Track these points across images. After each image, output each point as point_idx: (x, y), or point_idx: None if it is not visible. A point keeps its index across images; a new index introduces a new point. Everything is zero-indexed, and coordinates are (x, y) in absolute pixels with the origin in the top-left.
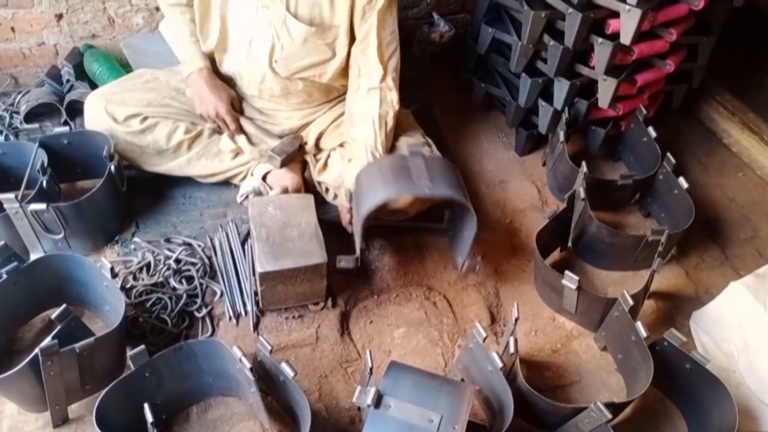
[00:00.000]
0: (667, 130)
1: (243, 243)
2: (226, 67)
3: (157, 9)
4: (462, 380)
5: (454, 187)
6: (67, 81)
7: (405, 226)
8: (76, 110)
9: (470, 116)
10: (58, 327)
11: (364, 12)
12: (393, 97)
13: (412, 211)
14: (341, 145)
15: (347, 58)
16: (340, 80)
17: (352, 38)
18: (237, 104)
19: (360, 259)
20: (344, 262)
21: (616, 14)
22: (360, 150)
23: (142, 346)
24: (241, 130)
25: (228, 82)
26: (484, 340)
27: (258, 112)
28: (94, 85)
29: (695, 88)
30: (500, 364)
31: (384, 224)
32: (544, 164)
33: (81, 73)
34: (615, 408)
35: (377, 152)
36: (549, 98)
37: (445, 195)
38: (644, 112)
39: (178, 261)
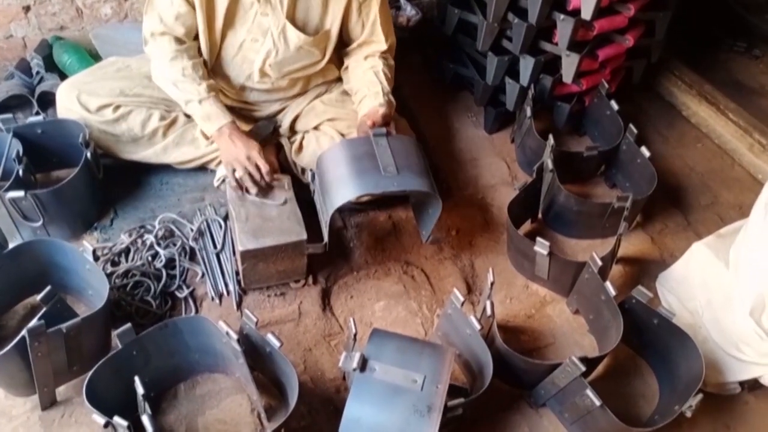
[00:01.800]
0: (628, 105)
1: (222, 225)
2: (215, 70)
3: None
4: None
5: (421, 173)
6: (37, 73)
7: (358, 208)
8: (47, 101)
9: (440, 97)
10: (44, 308)
11: (361, 10)
12: (390, 62)
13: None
14: (316, 128)
15: (333, 53)
16: (324, 72)
17: (339, 40)
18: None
19: (328, 244)
20: (312, 248)
21: None
22: (372, 89)
23: (129, 324)
24: (272, 174)
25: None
26: (462, 304)
27: (237, 101)
28: (64, 77)
29: (654, 64)
30: (478, 327)
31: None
32: (512, 141)
33: (51, 65)
34: (588, 363)
35: (388, 89)
36: (515, 76)
37: (413, 189)
38: (606, 86)
39: (158, 244)
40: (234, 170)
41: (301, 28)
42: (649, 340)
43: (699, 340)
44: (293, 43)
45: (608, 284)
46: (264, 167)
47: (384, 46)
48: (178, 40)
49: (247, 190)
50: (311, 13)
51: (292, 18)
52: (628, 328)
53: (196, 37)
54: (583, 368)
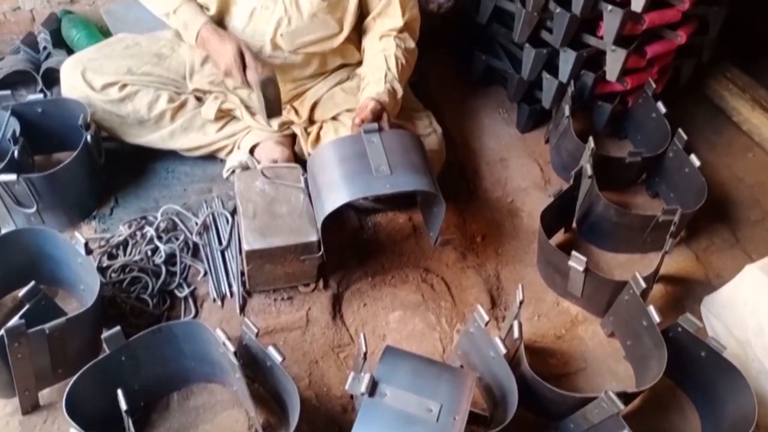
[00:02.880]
0: (673, 108)
1: (229, 220)
2: None
3: None
4: (461, 367)
5: (418, 170)
6: (44, 48)
7: (377, 207)
8: (53, 79)
9: (469, 91)
10: (27, 306)
11: None
12: (409, 43)
13: None
14: (335, 118)
15: (352, 30)
16: (342, 52)
17: (359, 12)
18: (250, 53)
19: (324, 255)
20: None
21: None
22: (375, 75)
23: (118, 328)
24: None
25: None
26: (486, 324)
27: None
28: (72, 53)
29: (703, 64)
30: (503, 350)
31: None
32: (546, 141)
33: (59, 41)
34: (626, 398)
35: (392, 75)
36: (553, 71)
37: (408, 189)
38: (653, 86)
39: (159, 237)
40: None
41: None
42: (694, 373)
43: (751, 374)
44: (306, 9)
45: (651, 309)
46: (250, 62)
47: (399, 22)
48: None
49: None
50: None
51: None
52: (671, 358)
53: None
54: (622, 407)
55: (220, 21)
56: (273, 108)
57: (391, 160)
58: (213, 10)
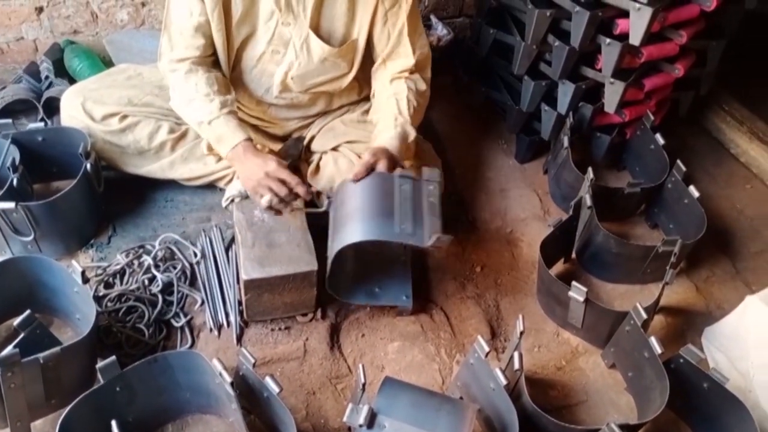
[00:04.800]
0: (672, 140)
1: (227, 249)
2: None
3: (143, 4)
4: (461, 398)
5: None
6: (46, 78)
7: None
8: (53, 108)
9: (469, 122)
10: (21, 335)
11: (387, 18)
12: (420, 85)
13: None
14: (334, 149)
15: (359, 69)
16: (348, 92)
17: (367, 51)
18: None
19: (328, 281)
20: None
21: (625, 14)
22: (385, 121)
23: (113, 357)
24: (308, 189)
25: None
26: (487, 354)
27: (255, 118)
28: (74, 83)
29: (702, 97)
30: (504, 382)
31: None
32: (545, 172)
33: (61, 70)
34: (628, 430)
35: (403, 119)
36: (552, 102)
37: (423, 245)
38: (651, 118)
39: (156, 266)
40: (262, 196)
41: (326, 39)
42: (696, 404)
43: (748, 406)
44: (317, 54)
45: (653, 340)
46: (291, 179)
47: (411, 61)
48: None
49: (280, 212)
50: (336, 23)
51: (316, 28)
52: (673, 390)
53: (214, 53)
54: None
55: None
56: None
57: (416, 214)
58: (222, 54)
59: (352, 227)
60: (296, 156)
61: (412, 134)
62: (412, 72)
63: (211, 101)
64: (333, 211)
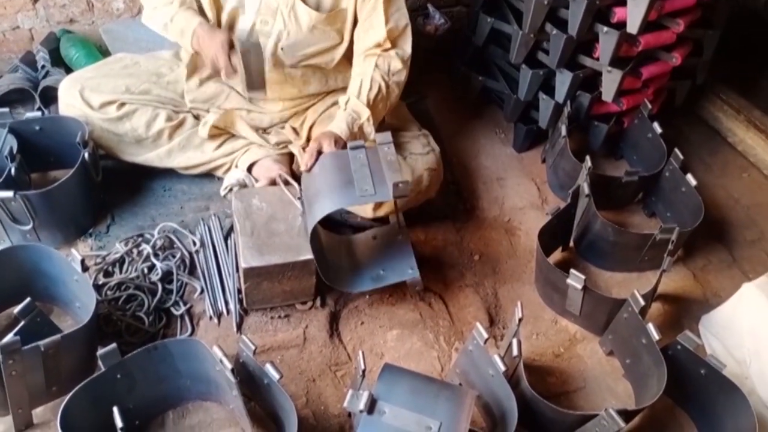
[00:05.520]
0: (669, 129)
1: (226, 238)
2: None
3: None
4: (460, 385)
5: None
6: (43, 67)
7: (373, 225)
8: (50, 97)
9: (466, 111)
10: (22, 323)
11: None
12: (394, 64)
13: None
14: None
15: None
16: (343, 69)
17: (356, 20)
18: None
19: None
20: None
21: (622, 2)
22: (340, 107)
23: (114, 345)
24: (232, 68)
25: None
26: (485, 341)
27: (246, 100)
28: (70, 72)
29: (698, 86)
30: (503, 368)
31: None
32: (543, 161)
33: (57, 59)
34: (626, 416)
35: (357, 101)
36: (550, 91)
37: (389, 198)
38: (649, 107)
39: (156, 255)
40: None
41: (315, 8)
42: (693, 391)
43: (745, 392)
44: (305, 22)
45: (651, 326)
46: (221, 60)
47: (383, 32)
48: None
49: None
50: None
51: None
52: (670, 376)
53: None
54: (623, 424)
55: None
56: (254, 81)
57: (376, 176)
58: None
59: (317, 206)
60: (257, 60)
61: (364, 115)
62: (386, 49)
63: (171, 3)
64: (304, 199)
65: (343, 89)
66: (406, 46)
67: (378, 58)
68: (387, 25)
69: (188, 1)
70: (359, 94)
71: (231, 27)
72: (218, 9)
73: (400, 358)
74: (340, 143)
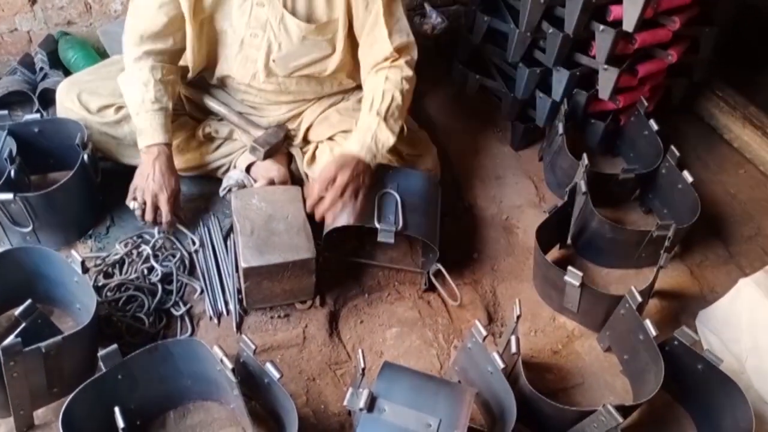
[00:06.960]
0: (665, 126)
1: (225, 238)
2: (218, 73)
3: None
4: (459, 382)
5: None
6: (41, 69)
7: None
8: (49, 99)
9: (464, 110)
10: (23, 324)
11: (368, 2)
12: (405, 72)
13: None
14: (330, 138)
15: (346, 52)
16: (339, 76)
17: (350, 32)
18: (179, 202)
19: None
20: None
21: (618, 0)
22: (359, 123)
23: (114, 345)
24: (173, 225)
25: (220, 83)
26: (484, 339)
27: (243, 104)
28: (69, 74)
29: (694, 84)
30: (502, 365)
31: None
32: (540, 159)
33: (56, 61)
34: (624, 412)
35: (370, 120)
36: (547, 89)
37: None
38: (645, 104)
39: (155, 256)
40: (135, 197)
41: (305, 19)
42: (691, 386)
43: (742, 387)
44: (295, 33)
45: (648, 323)
46: (165, 216)
47: (388, 46)
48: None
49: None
50: (315, 1)
51: (292, 8)
52: (668, 372)
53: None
54: (621, 419)
55: (209, 54)
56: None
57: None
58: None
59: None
60: (275, 144)
61: (374, 125)
62: (394, 60)
63: (146, 92)
64: None
65: (340, 92)
66: (413, 53)
67: (389, 71)
68: (391, 38)
69: (165, 98)
70: (371, 108)
71: (225, 41)
72: (202, 26)
73: (399, 356)
74: (356, 166)
